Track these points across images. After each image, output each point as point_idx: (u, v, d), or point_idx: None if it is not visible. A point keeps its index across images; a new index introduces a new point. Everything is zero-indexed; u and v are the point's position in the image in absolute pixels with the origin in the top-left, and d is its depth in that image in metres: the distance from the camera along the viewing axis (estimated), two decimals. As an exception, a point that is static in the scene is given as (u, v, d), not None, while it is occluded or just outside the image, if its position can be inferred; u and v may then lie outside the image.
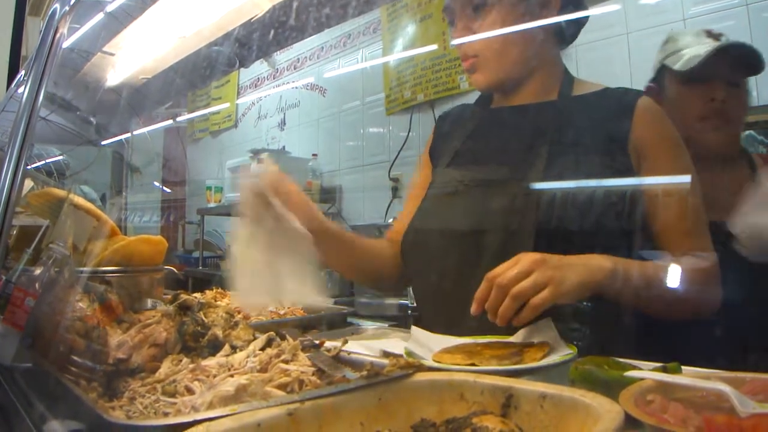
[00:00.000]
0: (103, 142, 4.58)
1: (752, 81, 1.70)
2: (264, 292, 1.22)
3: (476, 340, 1.20)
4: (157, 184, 6.12)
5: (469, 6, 1.40)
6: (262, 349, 1.05)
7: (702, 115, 1.58)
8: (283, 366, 0.88)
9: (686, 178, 1.33)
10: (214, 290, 1.83)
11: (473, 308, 1.13)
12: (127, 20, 1.94)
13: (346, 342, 0.99)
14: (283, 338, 1.03)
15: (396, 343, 1.18)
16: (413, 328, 1.24)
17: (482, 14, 1.38)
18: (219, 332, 1.10)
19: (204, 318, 1.13)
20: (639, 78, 2.90)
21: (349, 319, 1.62)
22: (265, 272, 1.19)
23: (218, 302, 1.69)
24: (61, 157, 4.59)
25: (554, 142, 1.37)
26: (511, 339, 1.17)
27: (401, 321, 3.09)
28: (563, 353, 1.06)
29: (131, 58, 2.12)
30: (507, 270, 1.10)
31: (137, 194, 5.50)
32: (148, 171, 5.86)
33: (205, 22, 1.81)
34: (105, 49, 2.05)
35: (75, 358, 0.90)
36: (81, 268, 1.11)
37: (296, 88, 5.28)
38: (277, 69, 5.64)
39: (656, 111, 1.38)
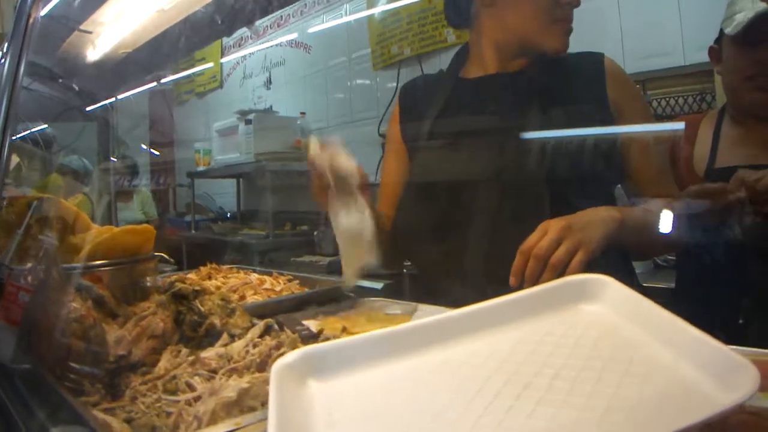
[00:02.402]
0: (88, 108, 4.54)
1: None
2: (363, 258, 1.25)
3: None
4: (144, 146, 6.08)
5: None
6: (261, 336, 1.05)
7: (749, 75, 1.64)
8: (283, 360, 0.87)
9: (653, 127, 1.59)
10: (208, 266, 1.81)
11: (512, 281, 1.16)
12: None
13: (344, 330, 0.99)
14: (281, 327, 1.03)
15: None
16: (419, 307, 1.30)
17: None
18: (216, 321, 1.10)
19: (200, 307, 1.12)
20: (628, 15, 2.91)
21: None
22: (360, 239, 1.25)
23: (213, 279, 1.71)
24: (47, 128, 4.56)
25: (541, 104, 1.40)
26: None
27: (396, 280, 3.09)
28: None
29: (110, 32, 2.07)
30: (539, 240, 1.15)
31: (125, 158, 5.46)
32: (135, 134, 5.82)
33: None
34: (83, 27, 2.00)
35: (75, 362, 0.90)
36: (70, 264, 1.09)
37: (281, 45, 5.20)
38: (261, 28, 5.55)
39: (620, 71, 1.49)
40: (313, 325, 1.21)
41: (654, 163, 1.48)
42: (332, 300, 1.47)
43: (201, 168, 5.18)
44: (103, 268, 1.12)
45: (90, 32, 2.00)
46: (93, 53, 2.31)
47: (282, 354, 0.91)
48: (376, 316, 1.28)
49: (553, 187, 1.33)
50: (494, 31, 1.50)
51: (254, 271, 1.80)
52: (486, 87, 1.50)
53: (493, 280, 1.20)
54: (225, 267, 1.83)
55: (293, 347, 0.91)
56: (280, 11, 5.16)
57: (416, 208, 1.51)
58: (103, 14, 1.94)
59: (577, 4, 1.41)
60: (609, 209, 1.25)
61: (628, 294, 0.70)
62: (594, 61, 1.46)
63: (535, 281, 1.14)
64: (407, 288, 3.00)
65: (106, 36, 2.14)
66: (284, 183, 4.91)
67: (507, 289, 1.16)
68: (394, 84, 4.22)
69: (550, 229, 1.16)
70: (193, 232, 5.28)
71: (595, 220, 1.21)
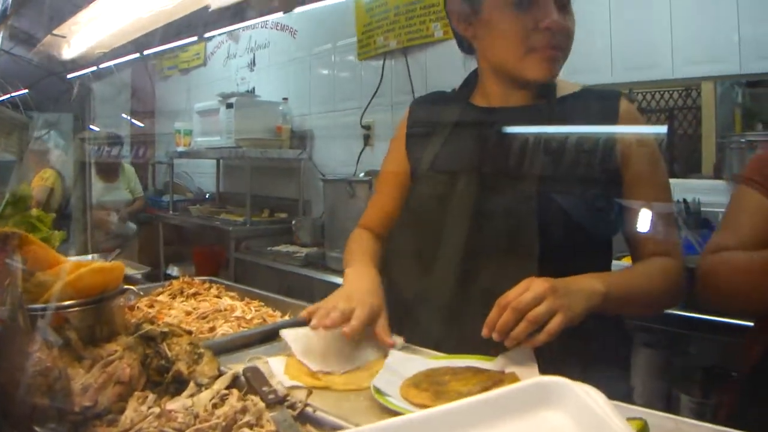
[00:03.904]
0: (69, 75, 4.46)
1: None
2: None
3: (450, 363, 1.21)
4: (125, 116, 6.01)
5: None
6: (228, 387, 1.05)
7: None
8: (247, 432, 0.88)
9: (667, 196, 1.45)
10: (181, 279, 1.81)
11: (485, 332, 1.16)
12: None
13: (310, 393, 0.99)
14: (248, 382, 1.04)
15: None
16: (391, 352, 1.27)
17: (566, 8, 1.39)
18: (183, 368, 1.10)
19: (168, 351, 1.12)
20: (619, 33, 2.90)
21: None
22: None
23: (185, 295, 1.71)
24: (26, 93, 4.49)
25: (546, 148, 1.39)
26: (489, 365, 1.19)
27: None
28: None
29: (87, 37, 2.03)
30: (521, 294, 1.14)
31: (106, 128, 5.38)
32: (116, 101, 5.75)
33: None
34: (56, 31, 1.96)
35: (39, 419, 0.89)
36: (35, 305, 1.07)
37: (266, 27, 5.13)
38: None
39: (636, 116, 1.46)
40: (281, 366, 1.21)
41: (659, 227, 1.43)
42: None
43: (181, 148, 5.14)
44: (70, 309, 1.11)
45: (64, 37, 1.96)
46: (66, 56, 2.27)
47: (247, 422, 0.92)
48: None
49: (546, 235, 1.32)
50: (485, 62, 1.50)
51: (227, 287, 1.79)
52: (489, 120, 1.48)
53: (472, 321, 1.20)
54: (197, 280, 1.82)
55: (258, 416, 0.91)
56: None
57: (406, 238, 1.52)
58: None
59: (560, 29, 1.36)
60: (594, 281, 1.24)
61: (584, 402, 0.71)
62: (608, 101, 1.42)
63: (507, 332, 1.13)
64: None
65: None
66: (264, 168, 4.89)
67: (479, 334, 1.18)
68: (379, 75, 4.19)
69: (533, 286, 1.15)
70: (171, 213, 5.25)
71: (579, 290, 1.20)
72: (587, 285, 1.22)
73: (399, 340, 1.35)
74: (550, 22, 1.34)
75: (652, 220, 1.41)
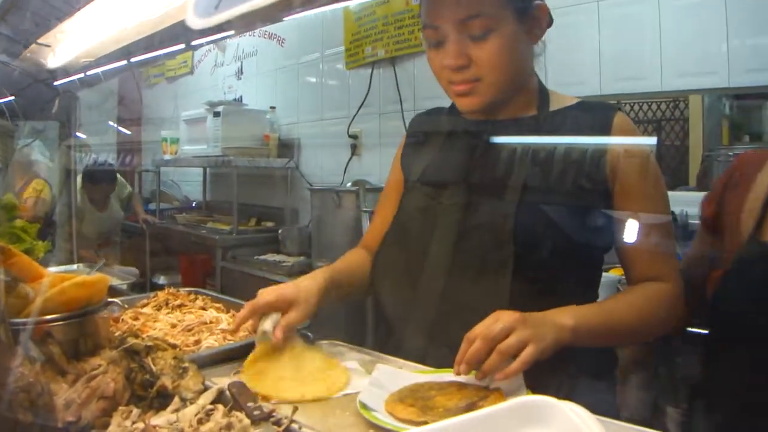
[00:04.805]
0: (55, 83, 4.43)
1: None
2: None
3: (436, 377, 1.21)
4: (112, 123, 5.97)
5: (467, 31, 1.31)
6: (213, 402, 1.04)
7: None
8: (232, 450, 0.87)
9: (662, 208, 1.40)
10: (166, 291, 1.79)
11: (455, 369, 1.14)
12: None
13: (296, 410, 0.98)
14: (233, 398, 1.03)
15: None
16: (377, 367, 1.27)
17: (485, 39, 1.31)
18: (168, 382, 1.08)
19: (152, 365, 1.11)
20: (607, 46, 2.91)
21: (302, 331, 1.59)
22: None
23: (170, 307, 1.70)
24: (13, 100, 4.46)
25: (533, 161, 1.37)
26: (475, 379, 1.18)
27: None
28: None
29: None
30: (491, 326, 1.12)
31: (92, 136, 5.34)
32: (102, 109, 5.71)
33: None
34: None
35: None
36: (18, 319, 1.06)
37: (253, 35, 5.13)
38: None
39: (631, 127, 1.40)
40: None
41: (652, 247, 1.37)
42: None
43: (168, 156, 5.12)
44: (53, 323, 1.10)
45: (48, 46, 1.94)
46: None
47: (231, 439, 0.91)
48: (330, 371, 1.28)
49: (527, 248, 1.30)
50: None
51: (213, 299, 1.78)
52: (476, 132, 1.47)
53: (458, 335, 1.19)
54: (183, 292, 1.81)
55: (242, 433, 0.90)
56: None
57: (391, 250, 1.51)
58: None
59: (459, 67, 1.33)
60: (563, 315, 1.21)
61: (571, 421, 0.70)
62: (602, 115, 1.38)
63: (478, 364, 1.12)
64: (371, 328, 3.01)
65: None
66: (251, 177, 4.88)
67: (456, 345, 1.17)
68: (367, 85, 4.19)
69: (501, 317, 1.13)
70: (157, 221, 5.23)
71: (548, 323, 1.18)
72: (556, 318, 1.19)
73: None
74: (447, 62, 1.34)
75: (643, 239, 1.36)
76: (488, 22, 1.30)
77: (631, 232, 1.36)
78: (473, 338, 1.12)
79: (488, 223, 1.35)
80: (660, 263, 1.36)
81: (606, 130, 1.35)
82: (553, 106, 1.44)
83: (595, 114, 1.40)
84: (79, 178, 4.68)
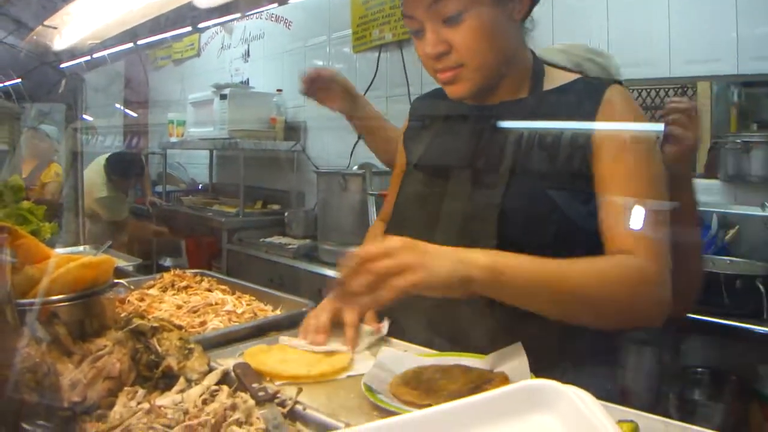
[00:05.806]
0: (62, 65, 4.43)
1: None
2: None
3: (440, 360, 1.22)
4: (118, 106, 5.97)
5: (440, 16, 1.28)
6: (218, 383, 1.05)
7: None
8: (237, 430, 0.88)
9: (648, 190, 1.28)
10: (172, 272, 1.80)
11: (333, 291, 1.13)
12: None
13: (300, 391, 0.99)
14: (238, 379, 1.03)
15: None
16: (382, 349, 1.28)
17: (459, 22, 1.27)
18: (173, 363, 1.09)
19: (158, 346, 1.12)
20: (615, 32, 2.90)
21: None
22: None
23: (176, 288, 1.70)
24: (18, 81, 4.46)
25: (522, 144, 1.35)
26: (479, 363, 1.19)
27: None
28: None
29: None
30: (373, 248, 1.06)
31: (99, 118, 5.35)
32: (109, 92, 5.71)
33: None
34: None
35: (28, 416, 0.89)
36: (24, 300, 1.07)
37: (260, 18, 5.11)
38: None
39: (622, 100, 1.34)
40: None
41: (626, 223, 1.23)
42: (293, 325, 1.46)
43: (174, 139, 5.12)
44: (59, 304, 1.10)
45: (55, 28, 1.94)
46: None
47: (236, 420, 0.92)
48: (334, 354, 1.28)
49: (513, 238, 1.24)
50: None
51: (219, 280, 1.79)
52: (466, 116, 1.46)
53: (461, 318, 1.18)
54: (189, 273, 1.81)
55: (248, 414, 0.91)
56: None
57: (392, 231, 1.51)
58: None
59: (439, 54, 1.30)
60: (483, 253, 1.10)
61: (575, 405, 0.71)
62: (594, 90, 1.34)
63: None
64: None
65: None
66: (257, 160, 4.88)
67: (460, 330, 1.17)
68: (374, 68, 4.17)
69: (389, 241, 1.06)
70: (164, 203, 5.24)
71: (449, 255, 1.07)
72: (465, 253, 1.08)
73: (386, 323, 1.41)
74: (427, 51, 1.31)
75: (620, 213, 1.24)
76: (458, 4, 1.27)
77: (608, 205, 1.25)
78: (353, 258, 1.05)
79: (475, 208, 1.34)
80: (633, 239, 1.21)
81: (596, 105, 1.30)
82: (548, 85, 1.41)
83: (589, 90, 1.36)
84: (96, 164, 4.70)
